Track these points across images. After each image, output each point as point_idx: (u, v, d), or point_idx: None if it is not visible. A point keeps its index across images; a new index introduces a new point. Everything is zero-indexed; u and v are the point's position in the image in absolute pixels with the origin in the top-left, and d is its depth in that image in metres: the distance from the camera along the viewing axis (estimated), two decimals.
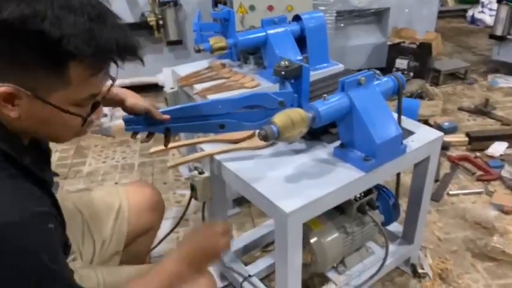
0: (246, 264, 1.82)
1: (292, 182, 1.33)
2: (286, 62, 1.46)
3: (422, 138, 1.56)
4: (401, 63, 3.66)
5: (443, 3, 5.95)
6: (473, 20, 5.74)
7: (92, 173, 2.79)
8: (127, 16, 3.56)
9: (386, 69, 3.77)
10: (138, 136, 1.37)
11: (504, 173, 2.53)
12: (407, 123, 1.65)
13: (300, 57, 2.15)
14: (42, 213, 0.86)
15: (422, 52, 3.60)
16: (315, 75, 2.17)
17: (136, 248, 1.54)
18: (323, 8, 3.52)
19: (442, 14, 5.66)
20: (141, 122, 1.34)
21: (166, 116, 1.33)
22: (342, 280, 1.67)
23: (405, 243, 1.85)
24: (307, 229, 1.54)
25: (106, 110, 3.39)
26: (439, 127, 3.01)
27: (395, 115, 1.51)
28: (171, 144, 1.46)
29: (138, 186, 1.57)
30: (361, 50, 3.88)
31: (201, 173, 1.54)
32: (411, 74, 3.63)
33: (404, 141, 1.48)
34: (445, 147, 2.82)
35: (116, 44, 0.87)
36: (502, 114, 3.29)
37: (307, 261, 1.56)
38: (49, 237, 0.87)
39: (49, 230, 0.86)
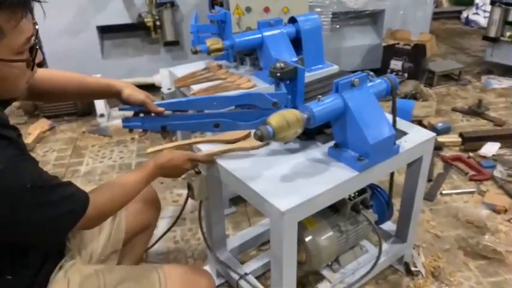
0: (242, 263, 1.85)
1: (288, 181, 1.36)
2: (282, 64, 1.49)
3: (415, 138, 1.60)
4: (396, 64, 3.70)
5: (438, 4, 6.00)
6: (468, 22, 5.79)
7: (89, 172, 2.81)
8: (124, 17, 3.59)
9: (381, 70, 3.80)
10: (136, 137, 1.42)
11: (496, 173, 2.57)
12: (401, 123, 1.68)
13: (295, 59, 2.18)
14: None
15: (416, 53, 3.64)
16: (310, 76, 2.20)
17: (133, 247, 1.57)
18: (319, 9, 3.55)
19: (436, 16, 5.71)
20: (137, 120, 1.37)
21: (161, 109, 1.38)
22: (336, 278, 1.70)
23: (398, 241, 1.89)
24: (302, 228, 1.57)
25: (103, 109, 3.41)
26: (432, 128, 3.05)
27: (389, 116, 1.54)
28: (168, 144, 1.49)
29: None
30: (356, 51, 3.92)
31: (197, 172, 1.56)
32: (405, 75, 3.66)
33: (397, 142, 1.51)
34: (439, 147, 2.86)
35: None
36: (494, 115, 3.34)
37: (302, 260, 1.59)
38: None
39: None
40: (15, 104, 3.10)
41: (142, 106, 1.38)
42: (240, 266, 1.80)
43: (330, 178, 1.37)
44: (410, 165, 1.71)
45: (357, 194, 1.63)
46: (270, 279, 1.49)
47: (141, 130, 1.40)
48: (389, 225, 1.94)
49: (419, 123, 3.18)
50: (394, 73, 3.69)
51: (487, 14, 4.35)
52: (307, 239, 1.57)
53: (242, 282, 1.71)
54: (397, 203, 1.97)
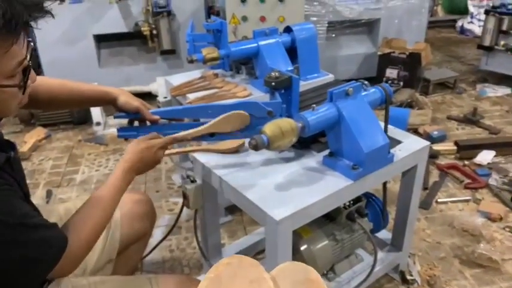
0: None
1: (283, 190, 1.36)
2: (277, 73, 1.50)
3: (409, 147, 1.60)
4: (391, 72, 3.72)
5: (434, 13, 6.05)
6: (463, 30, 5.83)
7: (85, 181, 2.81)
8: (120, 26, 3.60)
9: (376, 79, 3.81)
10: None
11: (491, 181, 2.58)
12: (395, 132, 1.69)
13: (291, 68, 2.20)
14: None
15: (411, 62, 3.66)
16: (305, 85, 2.21)
17: (128, 256, 1.57)
18: (315, 18, 3.58)
19: (432, 24, 5.76)
20: (132, 129, 1.38)
21: (157, 117, 1.39)
22: (331, 287, 1.70)
23: (394, 250, 1.88)
24: (298, 236, 1.57)
25: (99, 118, 3.41)
26: (428, 136, 3.06)
27: (383, 124, 1.55)
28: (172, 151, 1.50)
29: (129, 195, 1.59)
30: (352, 59, 3.94)
31: (193, 181, 1.57)
32: (401, 83, 3.68)
33: (391, 150, 1.52)
34: (434, 155, 2.87)
35: (24, 10, 0.90)
36: (489, 123, 3.35)
37: None
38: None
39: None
40: None
41: (138, 113, 1.38)
42: None
43: (324, 187, 1.37)
44: (405, 174, 1.72)
45: (352, 202, 1.64)
46: None
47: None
48: (384, 234, 1.94)
49: (415, 131, 3.20)
50: (390, 81, 3.71)
51: (482, 23, 4.37)
52: (302, 248, 1.57)
53: None
54: (392, 211, 1.97)
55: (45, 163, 3.03)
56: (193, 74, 2.47)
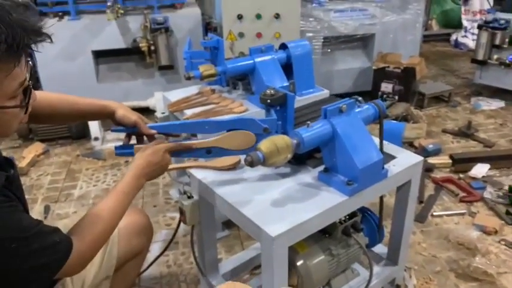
0: None
1: (278, 206, 1.38)
2: (272, 91, 1.53)
3: (403, 162, 1.63)
4: (386, 86, 3.76)
5: (428, 27, 6.12)
6: (457, 44, 5.90)
7: (83, 196, 2.82)
8: (119, 42, 3.64)
9: (372, 93, 3.87)
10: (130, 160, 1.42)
11: (486, 194, 2.61)
12: (389, 147, 1.71)
13: (286, 83, 2.22)
14: None
15: (406, 76, 3.71)
16: (301, 100, 2.26)
17: (126, 272, 1.57)
18: (310, 34, 3.64)
19: (426, 38, 5.83)
20: (130, 147, 1.40)
21: (154, 131, 1.41)
22: None
23: (390, 264, 1.90)
24: (294, 252, 1.58)
25: (97, 133, 3.43)
26: (423, 149, 3.09)
27: (378, 140, 1.58)
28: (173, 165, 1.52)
29: (126, 211, 1.60)
30: (347, 74, 3.98)
31: (189, 197, 1.58)
32: (396, 97, 3.72)
33: (385, 166, 1.54)
34: (430, 169, 2.90)
35: (24, 35, 0.94)
36: (484, 136, 3.39)
37: (293, 284, 1.60)
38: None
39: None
40: None
41: (135, 127, 1.41)
42: None
43: (319, 203, 1.39)
44: (400, 188, 1.74)
45: (347, 217, 1.65)
46: None
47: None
48: (380, 248, 1.95)
49: (410, 144, 3.23)
50: (385, 95, 3.75)
51: (475, 37, 4.44)
52: (298, 263, 1.58)
53: None
54: (388, 225, 1.98)
55: (43, 178, 3.04)
56: (191, 90, 2.50)
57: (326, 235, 1.67)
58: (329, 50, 3.90)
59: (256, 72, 2.22)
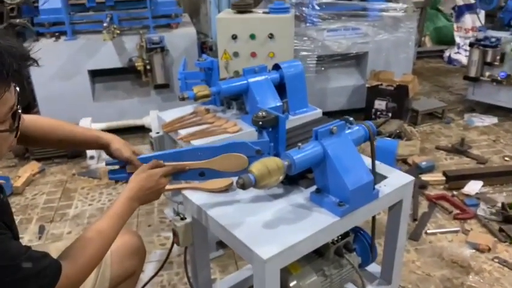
0: None
1: (270, 227, 1.39)
2: (264, 113, 1.55)
3: (394, 182, 1.64)
4: (380, 104, 3.80)
5: (422, 44, 6.20)
6: (450, 60, 5.98)
7: (78, 216, 2.82)
8: (115, 61, 3.68)
9: (366, 110, 3.91)
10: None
11: (479, 211, 2.62)
12: (380, 167, 1.73)
13: (280, 103, 2.26)
14: None
15: (399, 94, 3.75)
16: (294, 119, 2.28)
17: None
18: (304, 53, 3.69)
19: (420, 55, 5.91)
20: (124, 172, 1.41)
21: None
22: None
23: (384, 283, 1.90)
24: (286, 273, 1.59)
25: (93, 152, 3.44)
26: (417, 166, 3.11)
27: (369, 160, 1.60)
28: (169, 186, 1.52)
29: (119, 233, 1.61)
30: (341, 91, 4.02)
31: (183, 218, 1.59)
32: (389, 114, 3.76)
33: (376, 186, 1.56)
34: (423, 186, 2.92)
35: (13, 61, 0.97)
36: (477, 153, 3.42)
37: None
38: None
39: None
40: None
41: (127, 163, 1.42)
42: None
43: (311, 224, 1.40)
44: (392, 208, 1.75)
45: (340, 237, 1.66)
46: None
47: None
48: (374, 267, 1.95)
49: (404, 161, 3.26)
50: (379, 113, 3.79)
51: (468, 53, 4.49)
52: (291, 284, 1.58)
53: None
54: (382, 242, 1.99)
55: (38, 198, 3.04)
56: (186, 109, 2.53)
57: (319, 256, 1.68)
58: (323, 68, 3.95)
59: (250, 92, 2.25)
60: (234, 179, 1.46)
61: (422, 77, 5.28)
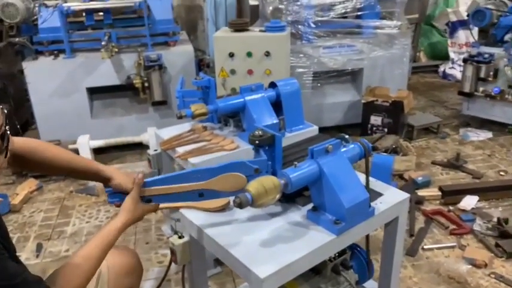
0: None
1: (267, 246, 1.41)
2: (260, 132, 1.58)
3: (390, 200, 1.66)
4: (375, 119, 3.84)
5: (417, 59, 6.28)
6: (445, 75, 6.04)
7: (75, 233, 2.82)
8: (113, 79, 3.71)
9: (362, 125, 3.94)
10: None
11: (476, 226, 2.64)
12: (376, 184, 1.75)
13: (276, 121, 2.28)
14: None
15: (395, 109, 3.80)
16: (290, 136, 2.31)
17: None
18: (301, 69, 3.73)
19: (415, 70, 5.98)
20: (122, 195, 1.42)
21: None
22: None
23: None
24: None
25: None
26: (413, 182, 3.14)
27: (364, 177, 1.62)
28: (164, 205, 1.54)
29: (116, 251, 1.61)
30: (337, 107, 4.07)
31: (180, 237, 1.60)
32: (385, 129, 3.80)
33: (372, 204, 1.58)
34: (420, 201, 2.94)
35: None
36: (473, 168, 3.45)
37: None
38: None
39: None
40: None
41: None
42: None
43: (308, 242, 1.42)
44: (388, 224, 1.77)
45: (337, 255, 1.68)
46: None
47: None
48: (371, 284, 1.96)
49: (400, 177, 3.28)
50: (375, 128, 3.83)
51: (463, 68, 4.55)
52: None
53: None
54: (379, 259, 2.00)
55: (36, 215, 3.04)
56: (183, 127, 2.55)
57: (316, 273, 1.69)
58: (319, 84, 4.00)
59: (247, 110, 2.27)
60: (231, 198, 1.49)
61: (418, 91, 5.33)
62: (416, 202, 2.90)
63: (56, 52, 3.67)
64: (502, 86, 3.92)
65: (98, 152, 3.65)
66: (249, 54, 3.15)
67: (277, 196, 1.35)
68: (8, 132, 1.08)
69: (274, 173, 1.51)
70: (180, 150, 2.27)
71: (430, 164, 3.55)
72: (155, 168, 2.55)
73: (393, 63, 4.06)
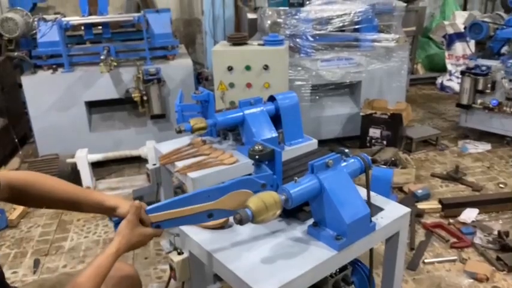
0: None
1: (268, 263, 1.39)
2: (260, 146, 1.57)
3: (390, 215, 1.65)
4: (374, 132, 3.85)
5: (414, 71, 6.31)
6: (443, 87, 6.07)
7: (73, 248, 2.79)
8: (112, 92, 3.72)
9: (361, 137, 3.94)
10: None
11: (476, 239, 2.62)
12: (376, 199, 1.74)
13: (275, 134, 2.28)
14: None
15: (393, 122, 3.80)
16: (289, 150, 2.30)
17: None
18: (299, 82, 3.75)
19: (413, 82, 6.01)
20: None
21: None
22: None
23: None
24: None
25: (88, 182, 3.44)
26: (413, 194, 3.13)
27: (365, 191, 1.61)
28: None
29: (115, 268, 1.59)
30: (336, 120, 4.07)
31: (180, 253, 1.59)
32: (384, 142, 3.80)
33: (373, 219, 1.57)
34: (420, 214, 2.93)
35: None
36: (472, 180, 3.44)
37: None
38: None
39: None
40: None
41: None
42: None
43: (309, 259, 1.40)
44: (389, 239, 1.76)
45: (338, 270, 1.66)
46: None
47: None
48: None
49: (400, 189, 3.27)
50: (374, 140, 3.83)
51: (460, 80, 4.57)
52: None
53: None
54: (380, 273, 1.98)
55: (33, 230, 3.01)
56: (182, 141, 2.54)
57: None
58: (317, 97, 4.01)
59: (246, 124, 2.27)
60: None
61: (416, 104, 5.35)
62: (417, 215, 2.89)
63: (54, 66, 3.67)
64: (499, 98, 3.94)
65: (96, 165, 3.63)
66: (248, 68, 3.16)
67: (278, 212, 1.34)
68: None
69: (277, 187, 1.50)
70: (179, 164, 2.26)
71: (430, 176, 3.54)
72: (154, 183, 2.54)
73: (391, 75, 4.08)
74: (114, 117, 3.99)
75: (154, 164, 2.52)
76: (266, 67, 3.14)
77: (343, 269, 1.66)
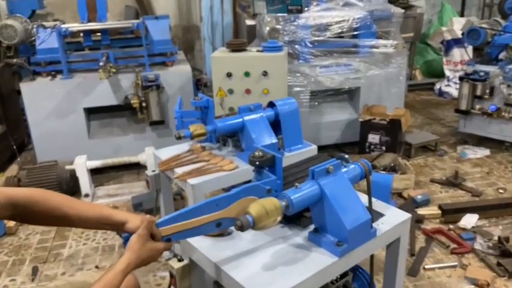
0: None
1: (269, 269, 1.38)
2: (260, 152, 1.57)
3: (391, 220, 1.65)
4: (373, 138, 3.85)
5: (413, 77, 6.33)
6: (441, 93, 6.09)
7: (72, 256, 2.77)
8: (111, 99, 3.71)
9: (360, 143, 3.94)
10: None
11: (476, 245, 2.62)
12: (377, 205, 1.74)
13: (275, 140, 2.28)
14: None
15: (392, 128, 3.81)
16: (289, 156, 2.30)
17: None
18: (298, 89, 3.75)
19: (411, 87, 6.02)
20: None
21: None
22: None
23: None
24: None
25: (87, 189, 3.43)
26: (412, 200, 3.12)
27: (366, 196, 1.60)
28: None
29: None
30: (335, 125, 4.08)
31: (180, 260, 1.58)
32: (383, 148, 3.80)
33: (374, 225, 1.56)
34: (420, 220, 2.92)
35: None
36: (471, 185, 3.44)
37: None
38: None
39: None
40: None
41: None
42: None
43: (310, 265, 1.40)
44: (390, 245, 1.75)
45: (339, 277, 1.65)
46: None
47: None
48: None
49: (400, 195, 3.27)
50: (373, 146, 3.83)
51: (458, 86, 4.58)
52: None
53: None
54: (380, 279, 1.97)
55: (32, 238, 3.00)
56: (182, 147, 2.53)
57: None
58: (316, 103, 4.01)
59: (246, 130, 2.27)
60: None
61: (414, 109, 5.36)
62: (417, 221, 2.89)
63: (53, 73, 3.67)
64: (498, 104, 3.95)
65: (95, 172, 3.62)
66: (247, 74, 3.16)
67: (279, 218, 1.34)
68: None
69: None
70: (179, 170, 2.26)
71: (429, 182, 3.54)
72: (153, 189, 2.53)
73: (390, 81, 4.09)
74: (113, 123, 3.98)
75: (154, 171, 2.51)
76: (265, 73, 3.15)
77: (344, 275, 1.66)
